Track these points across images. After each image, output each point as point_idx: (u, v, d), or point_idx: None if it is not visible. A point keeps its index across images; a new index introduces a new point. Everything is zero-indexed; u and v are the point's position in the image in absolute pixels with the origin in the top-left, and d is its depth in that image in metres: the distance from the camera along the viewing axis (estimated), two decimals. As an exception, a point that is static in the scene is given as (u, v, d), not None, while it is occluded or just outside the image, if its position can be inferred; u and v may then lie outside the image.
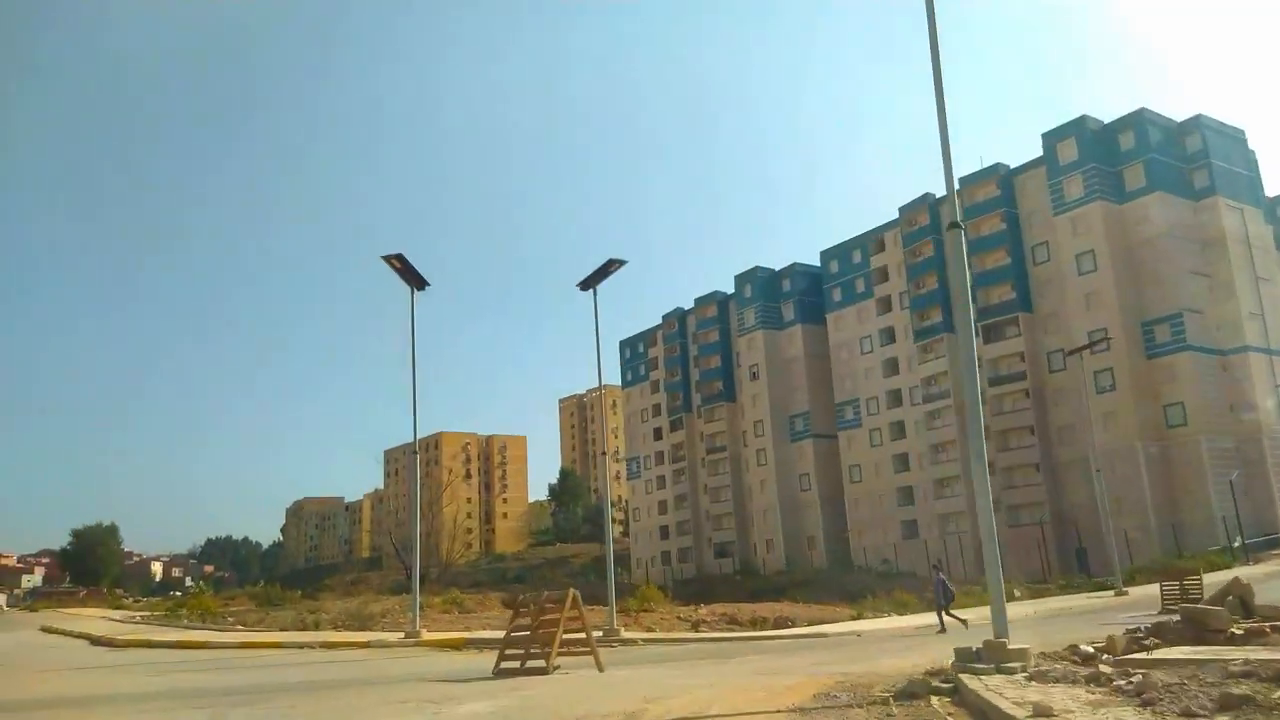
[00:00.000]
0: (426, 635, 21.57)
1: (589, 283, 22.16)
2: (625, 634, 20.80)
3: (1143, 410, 57.95)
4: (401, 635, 22.04)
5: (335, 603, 37.56)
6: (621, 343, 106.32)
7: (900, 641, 18.58)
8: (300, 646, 21.23)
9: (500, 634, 21.33)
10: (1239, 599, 11.87)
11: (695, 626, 22.96)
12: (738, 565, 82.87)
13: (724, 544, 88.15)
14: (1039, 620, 23.39)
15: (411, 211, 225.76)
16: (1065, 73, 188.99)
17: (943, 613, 21.80)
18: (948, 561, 64.56)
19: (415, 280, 22.83)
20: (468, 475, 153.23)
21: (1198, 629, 9.99)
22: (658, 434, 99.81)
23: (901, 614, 27.10)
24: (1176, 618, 11.24)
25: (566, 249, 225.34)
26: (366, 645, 21.12)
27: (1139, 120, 61.65)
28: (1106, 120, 63.38)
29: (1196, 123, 62.02)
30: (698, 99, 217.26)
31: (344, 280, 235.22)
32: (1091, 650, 9.44)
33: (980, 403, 11.16)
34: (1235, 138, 63.75)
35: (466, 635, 21.67)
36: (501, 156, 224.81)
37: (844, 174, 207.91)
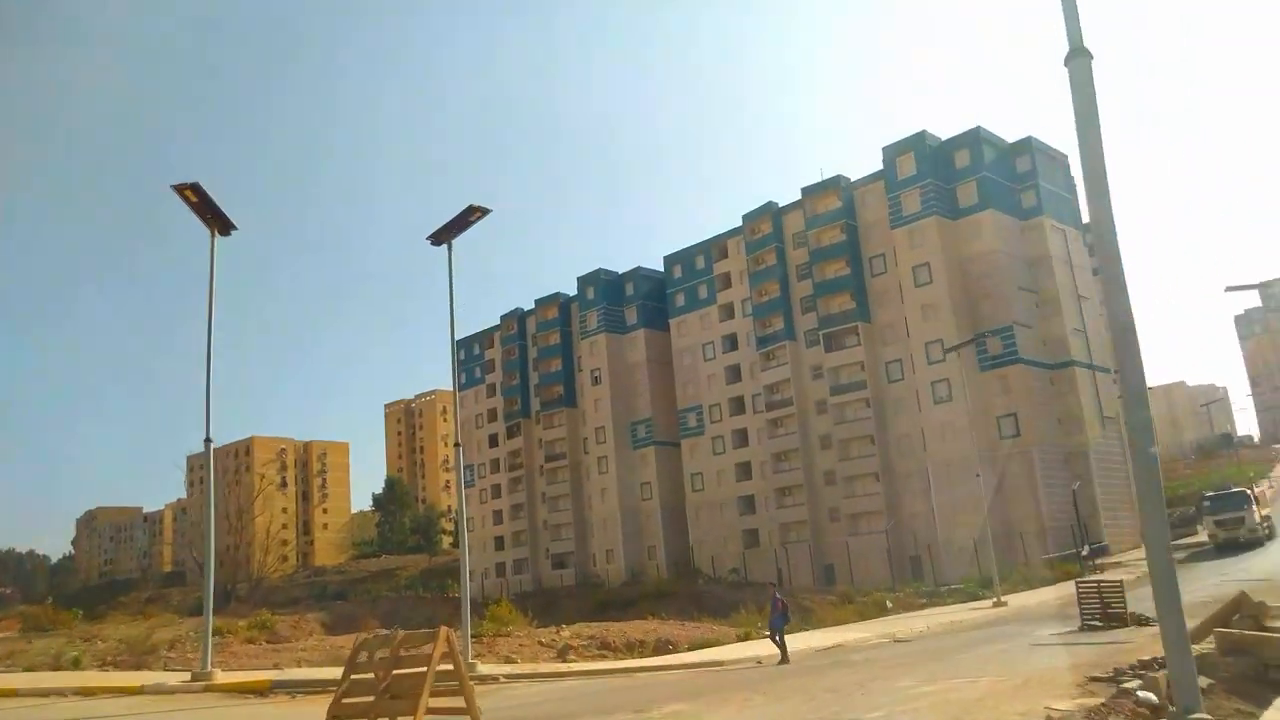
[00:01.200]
0: (220, 676, 16.87)
1: (443, 235, 18.53)
2: (482, 668, 17.37)
3: (978, 421, 59.45)
4: (188, 676, 17.32)
5: (119, 627, 31.89)
6: (456, 343, 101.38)
7: (828, 677, 15.89)
8: (45, 694, 16.10)
9: (322, 672, 17.30)
10: (1252, 618, 10.05)
11: (562, 654, 19.85)
12: (577, 576, 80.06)
13: (562, 555, 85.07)
14: (954, 637, 21.92)
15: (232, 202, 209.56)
16: (903, 89, 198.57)
17: (778, 638, 19.02)
18: (790, 571, 65.09)
19: (217, 220, 18.02)
20: (284, 483, 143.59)
21: (1256, 662, 7.86)
22: (494, 440, 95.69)
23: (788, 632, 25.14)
24: (1208, 646, 9.19)
25: (399, 245, 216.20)
26: (138, 691, 16.25)
27: (973, 139, 63.66)
28: (944, 137, 65.14)
29: (1026, 145, 64.72)
30: (546, 97, 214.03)
31: (144, 259, 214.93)
32: None
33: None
34: (1060, 162, 67.02)
35: (274, 675, 17.48)
36: (332, 147, 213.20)
37: (693, 178, 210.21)
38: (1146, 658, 9.94)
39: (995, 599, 29.55)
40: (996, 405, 59.59)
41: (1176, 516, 57.93)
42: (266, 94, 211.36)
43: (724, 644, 20.31)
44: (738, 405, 75.41)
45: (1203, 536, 47.83)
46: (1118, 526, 58.67)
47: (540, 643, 21.07)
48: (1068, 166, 67.93)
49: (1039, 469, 57.59)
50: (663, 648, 20.82)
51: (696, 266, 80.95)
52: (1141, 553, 54.14)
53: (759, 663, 18.51)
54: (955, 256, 62.05)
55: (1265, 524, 44.64)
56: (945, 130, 68.78)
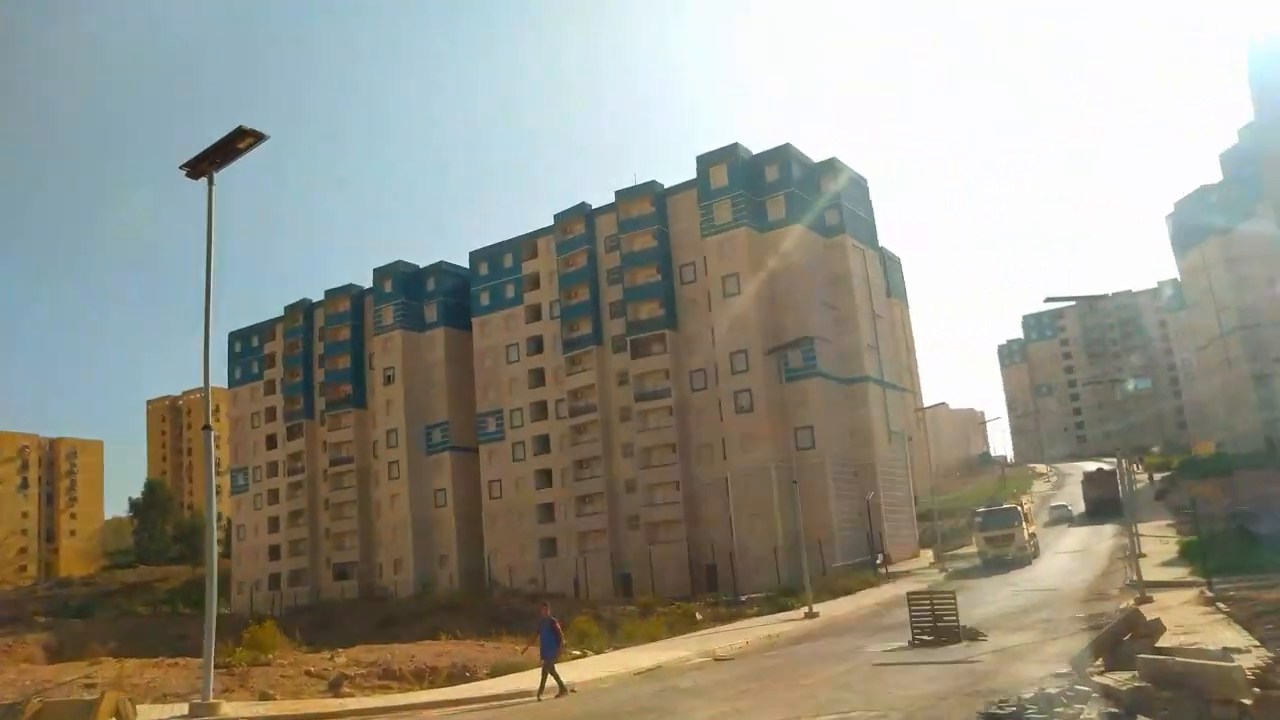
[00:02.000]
0: None
1: (203, 165, 14.68)
2: (226, 709, 13.93)
3: (778, 433, 60.14)
4: None
5: None
6: (231, 334, 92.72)
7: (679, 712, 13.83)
8: None
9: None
10: (1146, 638, 8.87)
11: (335, 687, 16.65)
12: (361, 588, 74.72)
13: (346, 565, 79.22)
14: (780, 654, 20.63)
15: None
16: (719, 96, 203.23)
17: (549, 669, 16.62)
18: (587, 580, 63.27)
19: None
20: (25, 485, 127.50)
21: (1193, 695, 6.47)
22: (272, 441, 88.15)
23: (597, 650, 22.87)
24: (1132, 678, 7.79)
25: (180, 224, 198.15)
26: None
27: (784, 155, 64.79)
28: (756, 151, 65.95)
29: (831, 165, 66.58)
30: (361, 84, 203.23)
31: None
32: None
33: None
34: (861, 185, 69.59)
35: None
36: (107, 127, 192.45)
37: (512, 177, 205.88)
38: (1027, 693, 8.58)
39: (807, 609, 28.76)
40: (795, 416, 60.45)
41: (948, 530, 61.20)
42: None
43: (531, 667, 17.88)
44: (540, 410, 73.07)
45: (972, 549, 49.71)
46: (899, 538, 60.99)
47: (309, 672, 17.58)
48: (867, 189, 70.70)
49: (832, 480, 58.87)
50: (459, 675, 18.01)
51: (504, 265, 78.07)
52: (925, 562, 56.81)
53: (573, 691, 16.20)
54: (762, 268, 62.70)
55: (1032, 542, 45.81)
56: (758, 144, 69.77)
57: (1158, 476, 77.01)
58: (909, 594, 21.09)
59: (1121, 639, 9.42)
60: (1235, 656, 10.62)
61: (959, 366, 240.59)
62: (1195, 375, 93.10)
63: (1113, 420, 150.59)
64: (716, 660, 20.12)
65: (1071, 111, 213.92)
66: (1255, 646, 14.12)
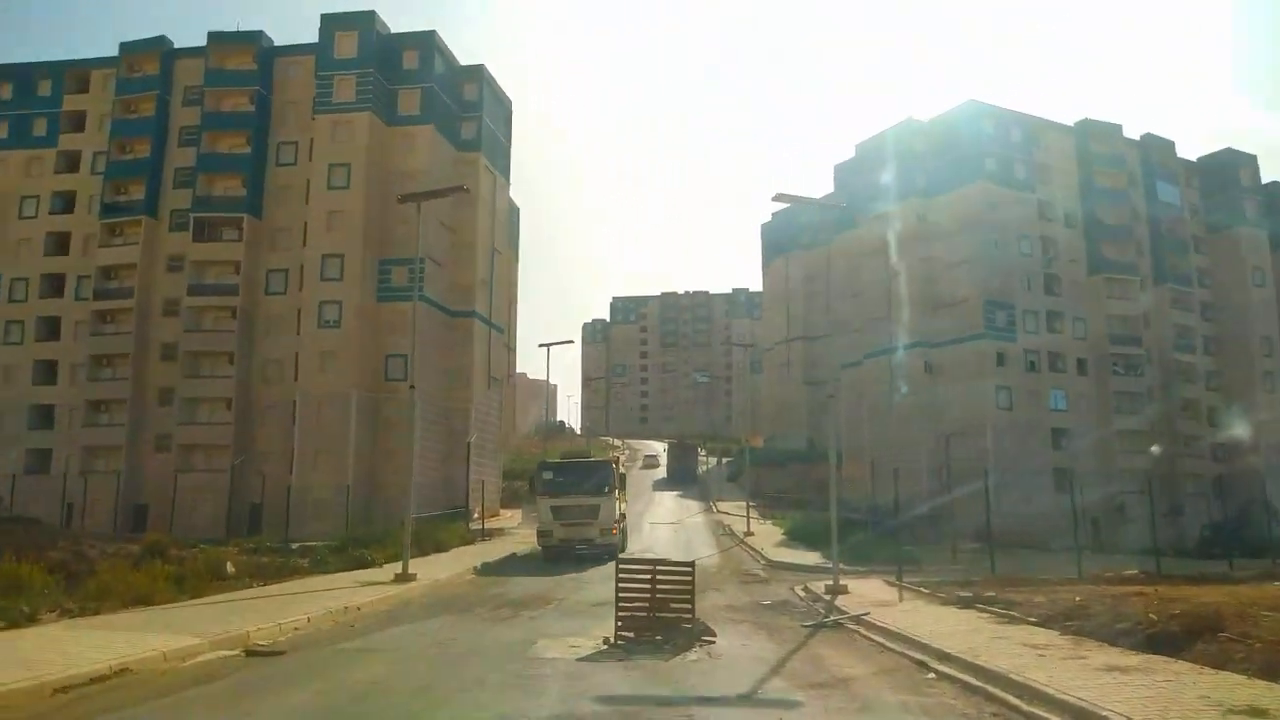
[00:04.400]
0: None
1: None
2: None
3: (366, 358, 51.44)
4: None
5: None
6: None
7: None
8: None
9: None
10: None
11: None
12: None
13: None
14: (374, 653, 12.84)
15: None
16: None
17: None
18: (86, 508, 48.93)
19: None
20: None
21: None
22: None
23: (30, 618, 13.11)
24: None
25: None
26: None
27: (428, 43, 55.65)
28: (396, 30, 56.33)
29: (479, 73, 59.04)
30: None
31: None
32: None
33: None
34: (506, 107, 62.96)
35: None
36: None
37: None
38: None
39: (400, 570, 21.05)
40: (388, 343, 52.23)
41: (525, 491, 57.05)
42: None
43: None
44: (55, 285, 56.58)
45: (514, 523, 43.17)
46: (486, 494, 55.52)
47: None
48: (511, 115, 64.19)
49: (421, 420, 51.50)
50: None
51: (37, 91, 59.58)
52: (515, 521, 51.77)
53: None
54: (381, 167, 53.37)
55: (621, 525, 32.12)
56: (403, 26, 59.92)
57: (725, 460, 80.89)
58: (619, 562, 14.60)
59: None
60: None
61: (545, 335, 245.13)
62: (765, 374, 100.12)
63: (677, 405, 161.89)
64: (250, 656, 11.96)
65: (706, 114, 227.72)
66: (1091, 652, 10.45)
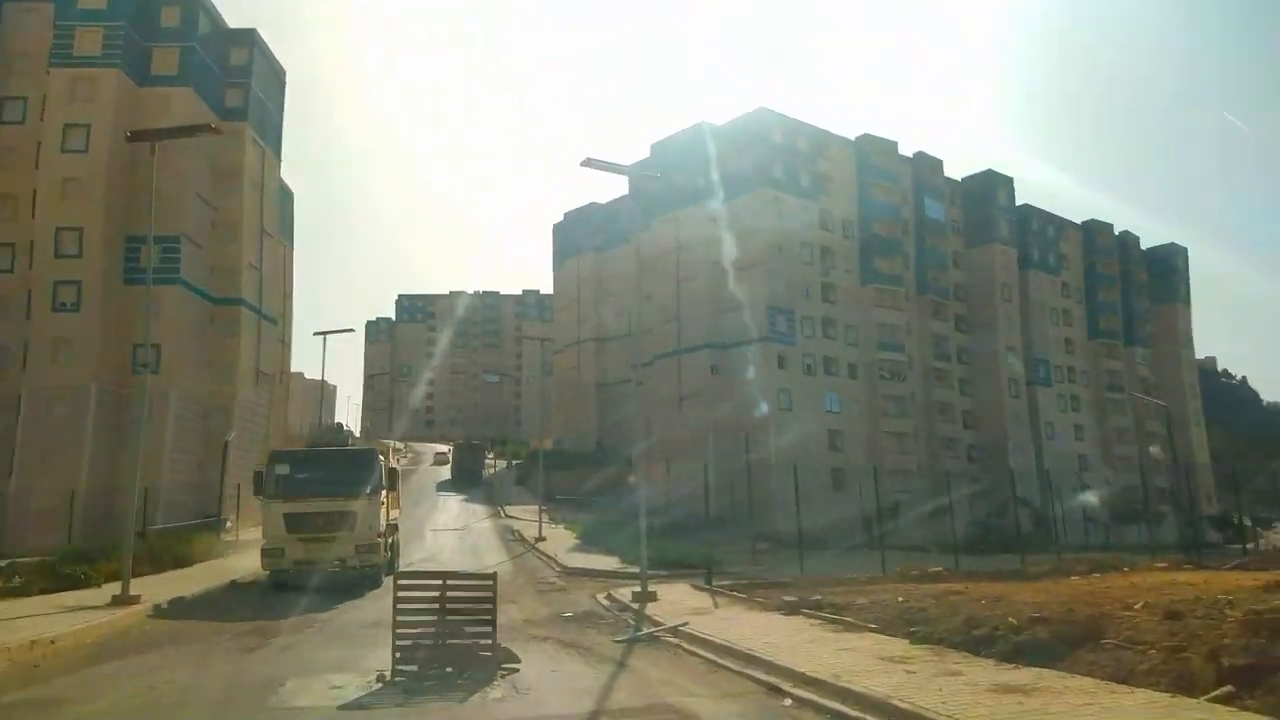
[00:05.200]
0: None
1: None
2: None
3: (109, 347, 45.36)
4: None
5: None
6: None
7: None
8: None
9: None
10: None
11: None
12: None
13: None
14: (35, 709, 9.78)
15: None
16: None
17: None
18: None
19: None
20: None
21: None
22: None
23: None
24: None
25: None
26: None
27: (188, 0, 50.27)
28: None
29: (250, 37, 53.88)
30: None
31: None
32: None
33: None
34: (279, 78, 57.95)
35: None
36: None
37: None
38: None
39: (119, 591, 17.46)
40: (136, 331, 46.10)
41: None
42: None
43: None
44: None
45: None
46: (248, 500, 50.46)
47: None
48: (284, 87, 59.12)
49: (174, 418, 46.12)
50: None
51: None
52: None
53: None
54: (127, 131, 47.20)
55: (391, 538, 24.43)
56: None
57: (514, 463, 78.94)
58: (398, 578, 12.07)
59: None
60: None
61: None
62: (557, 376, 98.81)
63: (465, 408, 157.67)
64: None
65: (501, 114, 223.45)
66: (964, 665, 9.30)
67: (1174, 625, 10.19)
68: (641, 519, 19.21)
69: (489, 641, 11.22)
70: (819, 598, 15.99)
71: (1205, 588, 13.03)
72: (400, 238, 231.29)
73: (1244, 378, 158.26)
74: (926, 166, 71.97)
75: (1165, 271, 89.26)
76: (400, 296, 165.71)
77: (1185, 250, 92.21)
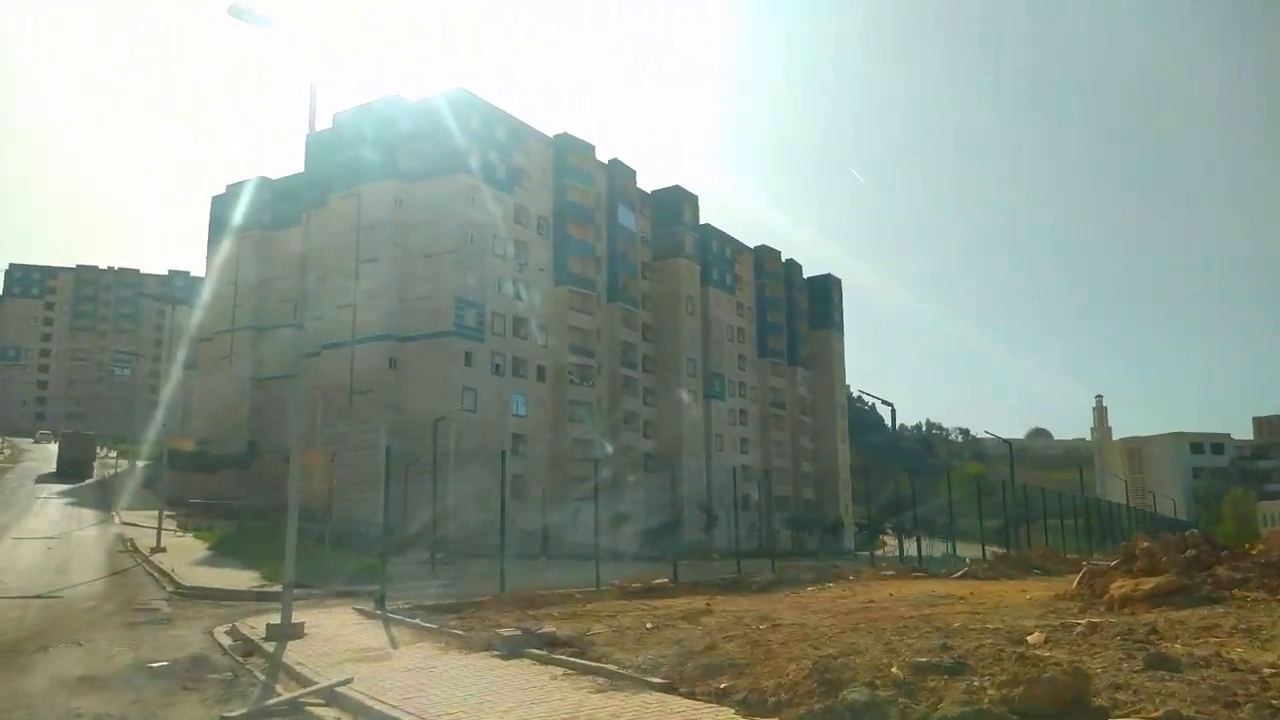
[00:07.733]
0: None
1: None
2: None
3: None
4: None
5: None
6: None
7: None
8: None
9: None
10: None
11: None
12: None
13: None
14: None
15: None
16: None
17: None
18: None
19: None
20: None
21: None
22: None
23: None
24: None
25: None
26: None
27: None
28: None
29: None
30: None
31: None
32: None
33: None
34: None
35: None
36: None
37: None
38: None
39: None
40: None
41: None
42: None
43: None
44: None
45: None
46: None
47: None
48: None
49: None
50: None
51: None
52: None
53: None
54: None
55: None
56: None
57: (141, 464, 67.64)
58: None
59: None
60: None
61: None
62: (201, 368, 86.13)
63: (88, 400, 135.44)
64: None
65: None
66: None
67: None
68: (291, 516, 14.09)
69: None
70: (550, 629, 11.77)
71: (973, 601, 11.15)
72: (13, 201, 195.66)
73: (874, 405, 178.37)
74: (621, 174, 71.63)
75: (822, 299, 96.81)
76: (13, 266, 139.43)
77: (840, 281, 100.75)
